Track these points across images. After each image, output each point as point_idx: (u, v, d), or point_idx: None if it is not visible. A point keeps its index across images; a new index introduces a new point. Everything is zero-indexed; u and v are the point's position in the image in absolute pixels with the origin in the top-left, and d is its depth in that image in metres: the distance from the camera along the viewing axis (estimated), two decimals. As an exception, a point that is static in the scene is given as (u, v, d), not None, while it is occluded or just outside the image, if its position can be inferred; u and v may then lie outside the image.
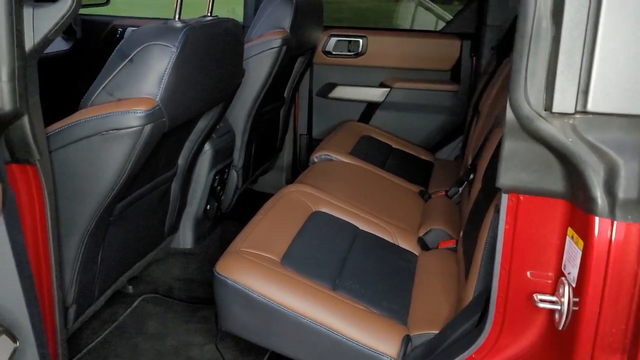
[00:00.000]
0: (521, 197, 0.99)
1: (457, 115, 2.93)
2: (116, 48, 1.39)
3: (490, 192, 1.54)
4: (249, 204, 2.93)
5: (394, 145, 2.76)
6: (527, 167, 0.95)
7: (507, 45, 2.43)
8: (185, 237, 2.25)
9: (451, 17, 3.07)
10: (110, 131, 1.30)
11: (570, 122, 0.87)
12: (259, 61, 2.23)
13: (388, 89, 2.96)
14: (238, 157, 2.43)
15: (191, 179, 2.09)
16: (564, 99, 0.84)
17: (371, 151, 2.58)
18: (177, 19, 1.44)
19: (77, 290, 1.48)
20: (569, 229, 0.96)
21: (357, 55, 2.98)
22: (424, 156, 2.78)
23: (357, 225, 1.84)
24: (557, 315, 0.97)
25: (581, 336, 0.91)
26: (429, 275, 1.67)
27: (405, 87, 2.95)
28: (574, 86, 0.83)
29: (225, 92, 1.82)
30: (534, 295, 0.99)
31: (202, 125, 1.85)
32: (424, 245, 1.86)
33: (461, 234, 1.75)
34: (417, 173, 2.54)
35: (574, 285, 0.93)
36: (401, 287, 1.59)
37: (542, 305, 0.98)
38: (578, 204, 0.92)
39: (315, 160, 2.38)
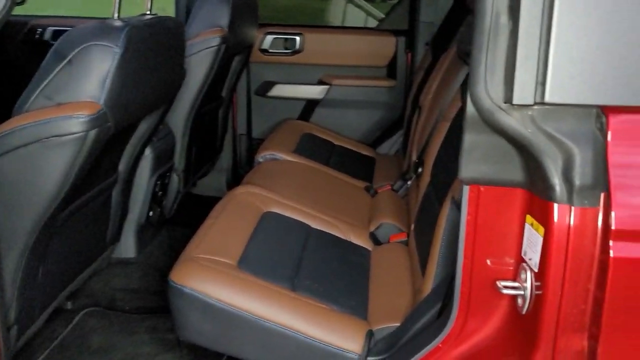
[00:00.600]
0: (482, 188, 1.02)
1: (395, 110, 2.99)
2: (51, 49, 1.30)
3: (441, 184, 1.58)
4: (191, 208, 2.85)
5: (335, 142, 2.77)
6: (488, 159, 0.98)
7: (441, 41, 2.50)
8: (127, 246, 2.15)
9: (382, 15, 3.13)
10: (52, 138, 1.21)
11: (529, 113, 0.90)
12: (198, 61, 2.17)
13: (327, 86, 2.97)
14: (179, 160, 2.35)
15: (132, 185, 2.00)
16: (523, 91, 0.87)
17: (314, 149, 2.58)
18: (116, 17, 1.37)
19: (17, 309, 1.38)
20: (528, 216, 1.00)
21: (294, 52, 2.97)
22: (365, 152, 2.81)
23: (308, 223, 1.83)
24: (519, 300, 1.01)
25: (544, 318, 0.95)
26: (383, 270, 1.68)
27: (343, 84, 2.97)
28: (532, 78, 0.86)
29: (168, 93, 1.76)
30: (497, 282, 1.03)
31: (143, 128, 1.77)
32: (375, 240, 1.88)
33: (412, 227, 1.79)
34: (361, 169, 2.57)
35: (535, 270, 0.96)
36: (358, 283, 1.60)
37: (505, 291, 1.01)
38: (537, 192, 0.95)
39: (260, 160, 2.35)
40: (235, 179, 3.13)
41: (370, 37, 3.00)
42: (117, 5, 1.37)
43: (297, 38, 2.95)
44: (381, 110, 3.00)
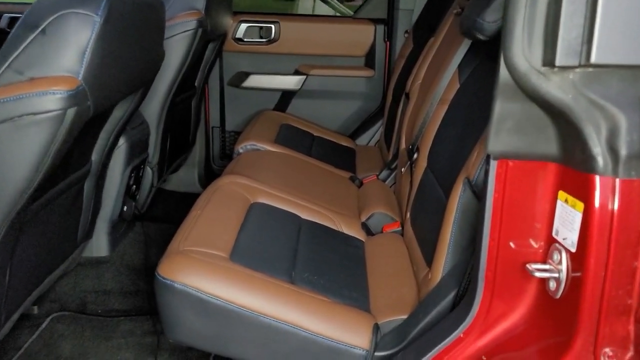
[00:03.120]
0: (510, 163, 0.94)
1: (374, 101, 2.91)
2: (19, 20, 1.15)
3: (441, 168, 1.51)
4: (163, 203, 2.71)
5: (315, 134, 2.68)
6: (520, 129, 0.90)
7: (423, 27, 2.44)
8: (99, 244, 2.00)
9: (351, 13, 3.05)
10: (24, 116, 1.07)
11: (570, 77, 0.82)
12: (174, 45, 2.03)
13: (304, 77, 2.87)
14: (153, 152, 2.21)
15: (105, 177, 1.85)
16: (567, 52, 0.80)
17: (294, 139, 2.48)
18: None
19: None
20: (561, 192, 0.93)
21: (270, 42, 2.86)
22: (345, 143, 2.73)
23: (299, 214, 1.73)
24: (552, 283, 0.94)
25: (585, 302, 0.88)
26: (380, 260, 1.60)
27: (321, 74, 2.88)
28: (578, 37, 0.79)
29: (148, 73, 1.62)
30: (527, 265, 0.95)
31: (119, 113, 1.63)
32: (368, 230, 1.80)
33: (407, 215, 1.71)
34: (343, 159, 2.48)
35: (572, 250, 0.89)
36: (356, 275, 1.51)
37: (538, 274, 0.94)
38: (574, 164, 0.88)
39: (241, 151, 2.23)
40: (208, 174, 3.00)
41: (348, 26, 2.92)
42: None
43: (273, 26, 2.84)
44: (360, 100, 2.92)
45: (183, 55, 2.08)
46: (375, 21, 2.86)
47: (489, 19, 1.26)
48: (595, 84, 0.82)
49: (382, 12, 2.88)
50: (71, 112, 1.11)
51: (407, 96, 2.17)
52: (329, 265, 1.50)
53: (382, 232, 1.79)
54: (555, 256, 0.93)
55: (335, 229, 1.75)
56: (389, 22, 2.83)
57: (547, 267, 0.94)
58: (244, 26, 2.83)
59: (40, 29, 1.10)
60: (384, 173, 2.21)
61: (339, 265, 1.53)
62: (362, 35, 2.86)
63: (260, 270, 1.32)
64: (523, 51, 0.83)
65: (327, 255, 1.56)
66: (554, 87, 0.83)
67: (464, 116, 1.46)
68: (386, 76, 2.87)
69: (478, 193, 1.14)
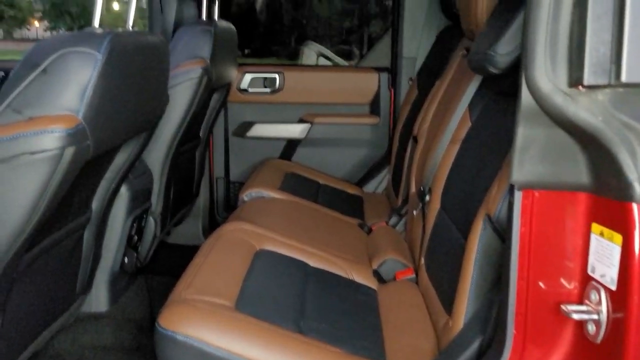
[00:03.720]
0: (537, 194, 0.88)
1: (380, 148, 2.88)
2: (21, 60, 1.12)
3: (456, 209, 1.44)
4: (166, 256, 2.62)
5: (321, 181, 2.63)
6: (546, 157, 0.84)
7: (428, 73, 2.44)
8: (98, 298, 1.90)
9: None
10: (21, 156, 1.02)
11: (600, 98, 0.77)
12: (179, 92, 2.01)
13: (309, 125, 2.85)
14: (156, 202, 2.15)
15: (106, 226, 1.78)
16: (595, 70, 0.75)
17: (300, 187, 2.42)
18: (96, 26, 1.20)
19: None
20: (594, 225, 0.86)
21: (274, 91, 2.85)
22: (352, 190, 2.67)
23: (306, 261, 1.65)
24: (591, 327, 0.85)
25: (629, 347, 0.79)
26: (394, 309, 1.51)
27: (325, 122, 2.86)
28: (606, 54, 0.74)
29: (152, 117, 1.58)
30: (563, 306, 0.87)
31: (121, 159, 1.58)
32: (379, 278, 1.71)
33: (422, 261, 1.63)
34: (350, 207, 2.42)
35: (613, 288, 0.81)
36: (369, 324, 1.42)
37: (575, 316, 0.85)
38: (609, 193, 0.81)
39: (245, 199, 2.17)
40: (212, 226, 2.93)
41: (352, 75, 2.93)
42: (97, 13, 1.21)
43: (277, 76, 2.85)
44: (366, 148, 2.88)
45: (188, 102, 2.06)
46: (379, 69, 2.86)
47: (502, 51, 1.23)
48: (627, 105, 0.77)
49: (385, 60, 2.89)
50: (69, 151, 1.06)
51: (415, 139, 2.13)
52: (339, 315, 1.41)
53: (394, 279, 1.70)
54: (593, 296, 0.85)
55: (346, 276, 1.66)
56: (392, 70, 2.83)
57: (584, 308, 0.86)
58: (248, 77, 2.84)
59: (41, 68, 1.07)
60: (394, 219, 2.14)
61: (351, 315, 1.43)
62: (366, 83, 2.86)
63: (268, 320, 1.23)
64: (546, 71, 0.78)
65: (338, 304, 1.47)
66: (582, 109, 0.78)
67: (478, 154, 1.41)
68: (391, 123, 2.85)
69: (501, 230, 1.07)
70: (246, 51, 5.27)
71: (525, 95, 0.81)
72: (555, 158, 0.84)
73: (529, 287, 0.90)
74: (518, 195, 0.88)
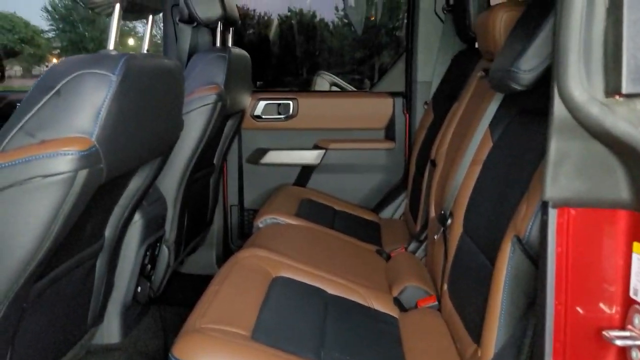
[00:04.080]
0: (573, 212, 0.82)
1: (396, 173, 2.83)
2: (35, 83, 1.10)
3: (480, 232, 1.39)
4: (180, 286, 2.57)
5: (336, 207, 2.58)
6: (582, 172, 0.79)
7: (445, 96, 2.41)
8: (110, 329, 1.85)
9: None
10: (32, 180, 0.99)
11: (639, 107, 0.73)
12: (193, 119, 2.00)
13: (323, 151, 2.82)
14: (170, 230, 2.11)
15: (119, 255, 1.74)
16: (635, 78, 0.70)
17: (316, 213, 2.38)
18: (111, 48, 1.19)
19: None
20: (636, 244, 0.80)
21: (288, 118, 2.84)
22: (368, 216, 2.62)
23: (325, 289, 1.59)
24: (635, 353, 0.79)
25: (682, 374, 0.72)
26: (417, 338, 1.44)
27: (340, 147, 2.83)
28: (645, 61, 0.70)
29: (166, 141, 1.56)
30: (604, 332, 0.81)
31: (135, 185, 1.55)
32: (400, 306, 1.64)
33: (444, 287, 1.56)
34: (367, 233, 2.36)
35: (659, 310, 0.75)
36: (392, 355, 1.35)
37: (619, 342, 0.79)
38: (652, 209, 0.76)
39: (260, 225, 2.13)
40: (227, 255, 2.88)
41: (366, 100, 2.91)
42: (112, 35, 1.20)
43: (291, 103, 2.84)
44: (381, 173, 2.84)
45: (202, 129, 2.04)
46: (393, 94, 2.84)
47: (525, 67, 1.19)
48: (670, 114, 0.72)
49: (399, 85, 2.87)
50: (82, 174, 1.03)
51: (433, 163, 2.08)
52: (361, 344, 1.34)
53: (416, 307, 1.64)
54: (637, 320, 0.79)
55: (365, 304, 1.60)
56: (407, 95, 2.81)
57: (628, 333, 0.80)
58: (262, 103, 2.83)
59: (55, 90, 1.05)
60: (413, 245, 2.08)
61: (372, 344, 1.37)
62: (381, 108, 2.84)
63: (286, 350, 1.18)
64: (580, 80, 0.74)
65: (358, 333, 1.41)
66: (621, 119, 0.73)
67: (501, 174, 1.36)
68: (407, 147, 2.81)
69: (532, 252, 1.01)
70: (258, 83, 5.34)
71: (558, 106, 0.77)
72: (593, 173, 0.79)
73: (567, 313, 0.84)
74: (552, 214, 0.82)
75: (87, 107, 1.05)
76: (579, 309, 0.84)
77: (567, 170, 0.80)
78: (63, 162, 1.00)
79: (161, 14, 2.77)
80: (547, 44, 1.16)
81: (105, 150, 1.09)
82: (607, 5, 0.72)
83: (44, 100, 1.05)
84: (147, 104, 1.28)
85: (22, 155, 1.00)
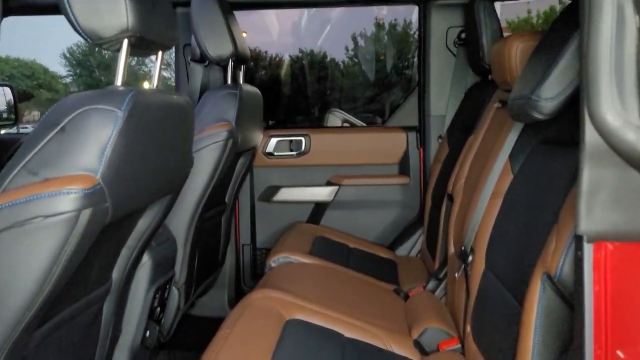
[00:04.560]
0: (610, 246, 0.76)
1: (412, 209, 2.77)
2: (40, 120, 1.08)
3: (504, 269, 1.31)
4: (190, 330, 2.49)
5: (351, 245, 2.52)
6: (618, 203, 0.73)
7: (460, 129, 2.36)
8: None
9: None
10: (34, 220, 0.95)
11: (680, 131, 0.67)
12: (203, 156, 1.97)
13: (337, 187, 2.77)
14: (180, 271, 2.05)
15: (127, 297, 1.68)
16: (674, 100, 0.65)
17: (330, 251, 2.31)
18: (119, 84, 1.16)
19: None
20: (683, 280, 0.73)
21: (300, 154, 2.80)
22: (384, 254, 2.54)
23: (341, 332, 1.52)
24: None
25: None
26: (441, 384, 1.35)
27: (354, 183, 2.78)
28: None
29: (176, 179, 1.52)
30: (652, 379, 0.73)
31: (143, 224, 1.51)
32: (421, 349, 1.56)
33: (467, 328, 1.48)
34: (384, 271, 2.29)
35: None
36: None
37: (670, 391, 0.71)
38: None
39: (273, 265, 2.06)
40: (239, 296, 2.81)
41: (379, 135, 2.87)
42: (120, 71, 1.17)
43: (303, 139, 2.81)
44: (396, 209, 2.78)
45: (213, 166, 2.00)
46: (406, 129, 2.80)
47: (546, 95, 1.14)
48: None
49: (413, 119, 2.84)
50: (86, 213, 0.98)
51: (450, 197, 2.02)
52: (381, 392, 1.26)
53: (438, 350, 1.55)
54: (689, 366, 0.71)
55: (384, 348, 1.52)
56: (420, 129, 2.77)
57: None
58: (274, 140, 2.80)
59: (59, 127, 1.02)
60: (432, 284, 1.99)
61: (394, 391, 1.28)
62: (394, 143, 2.79)
63: (301, 400, 1.10)
64: (613, 104, 0.69)
65: (378, 380, 1.32)
66: None
67: (524, 206, 1.29)
68: (422, 182, 2.75)
69: (565, 291, 0.94)
70: (270, 122, 5.39)
71: (589, 132, 0.71)
72: (630, 203, 0.73)
73: (607, 357, 0.77)
74: (588, 249, 0.76)
75: (92, 143, 1.01)
76: (620, 353, 0.77)
77: (602, 201, 0.73)
78: (66, 201, 0.96)
79: (173, 54, 2.79)
80: (569, 71, 1.12)
81: (110, 188, 1.04)
82: (639, 24, 0.68)
83: (48, 137, 1.01)
84: (155, 140, 1.25)
85: (23, 194, 0.96)
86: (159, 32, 1.26)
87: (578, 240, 0.78)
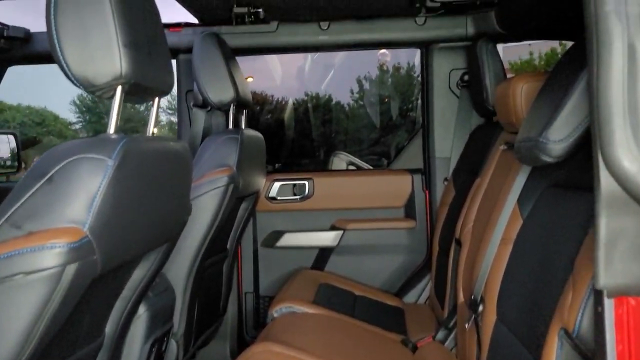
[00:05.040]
0: (632, 301, 0.69)
1: (419, 254, 2.69)
2: (28, 171, 1.04)
3: (516, 320, 1.24)
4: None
5: (357, 292, 2.43)
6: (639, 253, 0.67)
7: (466, 171, 2.31)
8: None
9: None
10: (15, 277, 0.89)
11: None
12: (204, 203, 1.92)
13: (341, 232, 2.71)
14: (179, 322, 1.97)
15: (121, 352, 1.61)
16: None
17: (335, 299, 2.23)
18: (111, 132, 1.13)
19: None
20: None
21: (304, 198, 2.76)
22: (391, 302, 2.45)
23: (346, 388, 1.43)
24: None
25: None
26: None
27: (359, 227, 2.71)
28: None
29: (172, 228, 1.47)
30: None
31: (139, 275, 1.45)
32: (432, 405, 1.46)
33: (480, 383, 1.39)
34: (391, 320, 2.20)
35: None
36: None
37: None
38: None
39: (275, 315, 1.99)
40: (241, 347, 2.71)
41: (384, 177, 2.82)
42: (113, 119, 1.14)
43: (307, 183, 2.77)
44: (403, 254, 2.70)
45: (213, 213, 1.96)
46: (411, 171, 2.76)
47: (555, 138, 1.10)
48: None
49: (418, 161, 2.80)
50: (71, 268, 0.93)
51: (458, 242, 1.95)
52: None
53: (449, 407, 1.46)
54: None
55: (392, 405, 1.43)
56: (426, 171, 2.72)
57: None
58: (277, 184, 2.76)
59: (47, 177, 0.98)
60: (441, 333, 1.90)
61: None
62: (399, 186, 2.74)
63: None
64: (629, 147, 0.64)
65: None
66: None
67: (536, 254, 1.23)
68: (429, 226, 2.69)
69: (585, 348, 0.87)
70: (277, 165, 5.38)
71: (605, 178, 0.66)
72: (652, 254, 0.67)
73: None
74: (609, 305, 0.70)
75: (81, 194, 0.97)
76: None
77: (622, 252, 0.68)
78: (49, 257, 0.91)
79: (175, 99, 2.79)
80: (578, 112, 1.07)
81: (99, 241, 0.99)
82: (652, 61, 0.63)
83: (35, 188, 0.97)
84: (148, 188, 1.20)
85: (4, 250, 0.91)
86: (155, 79, 1.24)
87: (597, 294, 0.71)
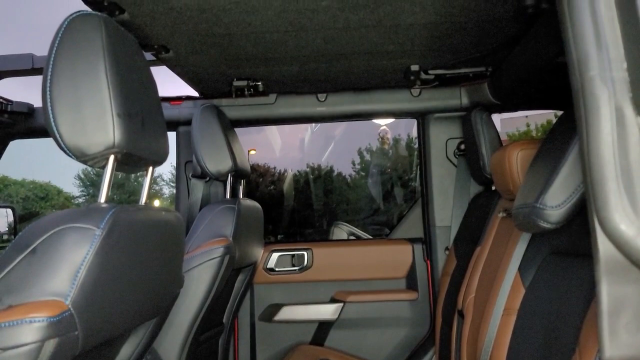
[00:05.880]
0: (642, 375, 0.65)
1: (422, 326, 2.60)
2: (11, 243, 1.01)
3: None
4: None
5: (358, 369, 2.33)
6: None
7: (467, 240, 2.28)
8: None
9: None
10: None
11: None
12: (198, 275, 1.88)
13: (341, 304, 2.63)
14: (170, 402, 1.87)
15: None
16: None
17: (335, 377, 2.13)
18: (102, 201, 1.11)
19: None
20: None
21: (303, 269, 2.70)
22: (395, 378, 2.35)
23: None
24: None
25: None
26: None
27: (359, 300, 2.64)
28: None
29: (162, 301, 1.42)
30: None
31: (127, 351, 1.39)
32: None
33: None
34: (394, 399, 2.09)
35: None
36: None
37: None
38: None
39: (272, 394, 1.88)
40: None
41: (384, 247, 2.78)
42: (104, 188, 1.13)
43: (305, 254, 2.72)
44: (406, 327, 2.61)
45: (208, 285, 1.91)
46: (412, 240, 2.72)
47: (552, 204, 1.08)
48: None
49: (418, 231, 2.77)
50: (50, 344, 0.88)
51: (461, 314, 1.88)
52: None
53: None
54: None
55: None
56: (426, 241, 2.69)
57: None
58: (275, 255, 2.72)
59: (30, 248, 0.95)
60: (447, 411, 1.80)
61: None
62: (400, 256, 2.69)
63: None
64: (624, 211, 0.62)
65: None
66: None
67: (541, 325, 1.17)
68: (432, 297, 2.61)
69: None
70: (279, 237, 5.33)
71: (603, 244, 0.63)
72: (659, 323, 0.63)
73: None
74: (617, 379, 0.65)
75: (64, 265, 0.94)
76: None
77: (627, 321, 0.64)
78: (27, 332, 0.87)
79: (174, 170, 2.80)
80: (573, 177, 1.06)
81: (82, 315, 0.95)
82: (641, 123, 0.63)
83: (17, 260, 0.94)
84: (137, 259, 1.17)
85: None
86: (148, 149, 1.24)
87: (604, 367, 0.67)
